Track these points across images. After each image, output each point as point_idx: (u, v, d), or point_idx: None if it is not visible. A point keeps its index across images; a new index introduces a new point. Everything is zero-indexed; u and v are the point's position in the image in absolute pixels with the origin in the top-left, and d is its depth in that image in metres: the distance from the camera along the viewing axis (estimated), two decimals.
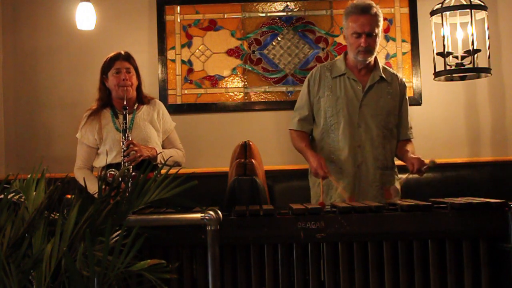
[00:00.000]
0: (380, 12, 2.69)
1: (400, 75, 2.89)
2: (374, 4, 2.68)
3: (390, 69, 2.88)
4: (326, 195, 2.70)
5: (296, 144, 2.84)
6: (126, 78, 2.87)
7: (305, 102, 2.82)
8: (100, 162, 2.88)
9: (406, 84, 4.18)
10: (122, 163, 2.69)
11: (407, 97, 2.86)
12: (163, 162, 2.81)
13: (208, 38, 4.27)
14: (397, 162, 2.85)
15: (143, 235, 1.63)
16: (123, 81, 2.85)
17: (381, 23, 2.68)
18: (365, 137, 2.70)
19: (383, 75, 2.77)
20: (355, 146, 2.70)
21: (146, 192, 1.83)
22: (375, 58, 2.78)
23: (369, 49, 2.67)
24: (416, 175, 2.64)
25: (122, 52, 2.96)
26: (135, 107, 2.95)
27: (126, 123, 2.75)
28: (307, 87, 2.83)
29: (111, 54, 2.96)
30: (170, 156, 2.88)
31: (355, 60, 2.72)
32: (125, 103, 2.79)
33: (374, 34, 2.65)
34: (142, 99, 2.97)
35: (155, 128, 2.93)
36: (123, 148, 2.71)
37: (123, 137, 2.73)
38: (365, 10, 2.63)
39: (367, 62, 2.72)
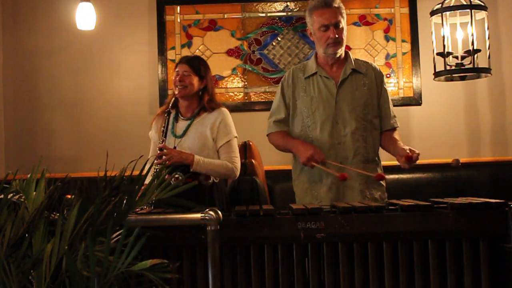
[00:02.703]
0: (342, 5, 2.70)
1: (375, 64, 2.85)
2: None
3: (364, 60, 2.84)
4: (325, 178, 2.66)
5: (280, 142, 2.78)
6: (182, 80, 2.88)
7: (281, 105, 2.79)
8: None
9: (407, 84, 4.28)
10: (154, 166, 2.68)
11: (385, 86, 2.81)
12: (201, 170, 2.76)
13: (208, 38, 4.28)
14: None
15: (145, 235, 1.63)
16: (178, 82, 2.88)
17: (345, 15, 2.70)
18: (344, 132, 2.66)
19: (355, 67, 2.74)
20: (335, 143, 2.66)
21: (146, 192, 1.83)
22: (346, 51, 2.77)
23: (339, 40, 2.66)
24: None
25: (188, 55, 3.02)
26: (195, 113, 2.92)
27: (166, 126, 2.80)
28: (281, 90, 2.80)
29: None
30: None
31: (326, 55, 2.70)
32: (170, 106, 2.86)
33: (341, 26, 2.66)
34: (204, 105, 2.92)
35: (211, 137, 2.87)
36: (157, 151, 2.74)
37: (160, 140, 2.77)
38: (329, 3, 2.66)
39: (338, 55, 2.70)
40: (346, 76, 2.72)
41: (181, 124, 2.90)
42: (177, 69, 2.93)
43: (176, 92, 2.88)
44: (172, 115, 2.90)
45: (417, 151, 2.51)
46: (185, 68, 2.91)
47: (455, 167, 2.55)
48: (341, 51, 2.71)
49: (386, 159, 2.87)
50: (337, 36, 2.64)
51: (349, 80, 2.73)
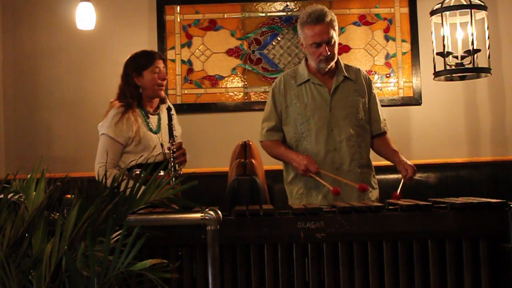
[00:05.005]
0: (334, 16, 2.67)
1: (363, 69, 2.87)
2: (327, 10, 2.65)
3: (353, 66, 2.85)
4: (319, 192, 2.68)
5: (273, 151, 2.80)
6: (166, 78, 2.89)
7: (272, 112, 2.79)
8: (131, 162, 2.78)
9: (406, 84, 4.28)
10: (173, 164, 2.68)
11: (374, 91, 2.84)
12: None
13: (208, 38, 4.28)
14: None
15: (144, 235, 1.63)
16: (163, 81, 2.87)
17: (337, 27, 2.67)
18: (339, 139, 2.68)
19: (346, 75, 2.76)
20: (331, 150, 2.68)
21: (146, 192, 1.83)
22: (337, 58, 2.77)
23: (331, 56, 2.66)
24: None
25: (151, 50, 2.97)
26: (156, 107, 2.93)
27: (172, 124, 2.74)
28: (271, 98, 2.81)
29: (142, 51, 2.94)
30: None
31: (317, 68, 2.71)
32: (169, 104, 2.85)
33: (333, 41, 2.64)
34: (163, 99, 2.95)
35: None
36: (173, 149, 2.70)
37: (171, 139, 2.72)
38: (320, 19, 2.60)
39: (329, 67, 2.71)
40: (338, 84, 2.74)
41: (152, 120, 2.87)
42: (157, 65, 2.87)
43: (162, 95, 2.88)
44: (141, 112, 2.86)
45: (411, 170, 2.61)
46: (163, 65, 2.92)
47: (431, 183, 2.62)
48: (332, 63, 2.72)
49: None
50: (329, 53, 2.63)
51: (341, 87, 2.75)
